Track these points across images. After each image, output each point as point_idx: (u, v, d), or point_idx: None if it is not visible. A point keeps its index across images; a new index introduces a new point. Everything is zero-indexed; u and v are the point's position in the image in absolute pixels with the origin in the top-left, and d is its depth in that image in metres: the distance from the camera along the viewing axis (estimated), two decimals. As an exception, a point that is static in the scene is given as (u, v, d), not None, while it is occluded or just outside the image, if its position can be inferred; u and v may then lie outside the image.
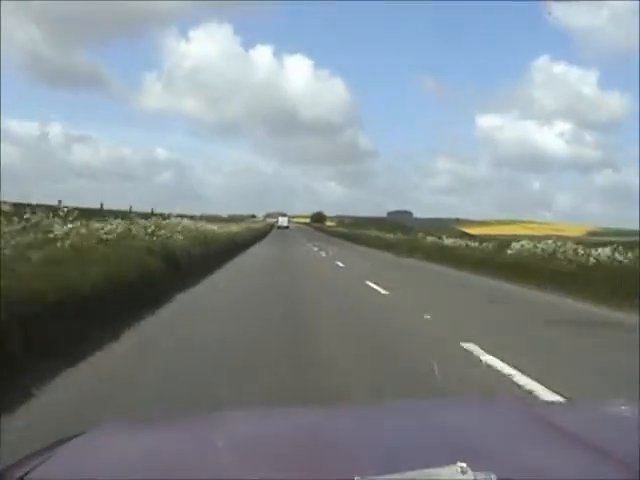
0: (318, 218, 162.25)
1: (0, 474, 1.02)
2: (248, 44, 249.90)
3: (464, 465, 0.83)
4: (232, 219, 41.18)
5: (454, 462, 0.84)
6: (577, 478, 0.93)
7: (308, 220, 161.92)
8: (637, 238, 19.56)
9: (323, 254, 25.66)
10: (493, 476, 0.81)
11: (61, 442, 1.16)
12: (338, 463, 0.99)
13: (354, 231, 58.17)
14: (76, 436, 1.20)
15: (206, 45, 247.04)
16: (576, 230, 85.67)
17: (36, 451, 1.13)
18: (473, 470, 0.82)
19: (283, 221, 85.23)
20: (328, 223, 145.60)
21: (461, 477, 0.81)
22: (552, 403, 1.94)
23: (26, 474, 0.97)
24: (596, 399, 1.75)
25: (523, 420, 1.31)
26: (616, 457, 0.98)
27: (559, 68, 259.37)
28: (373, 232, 48.09)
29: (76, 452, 1.13)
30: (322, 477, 0.89)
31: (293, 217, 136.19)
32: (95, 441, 1.22)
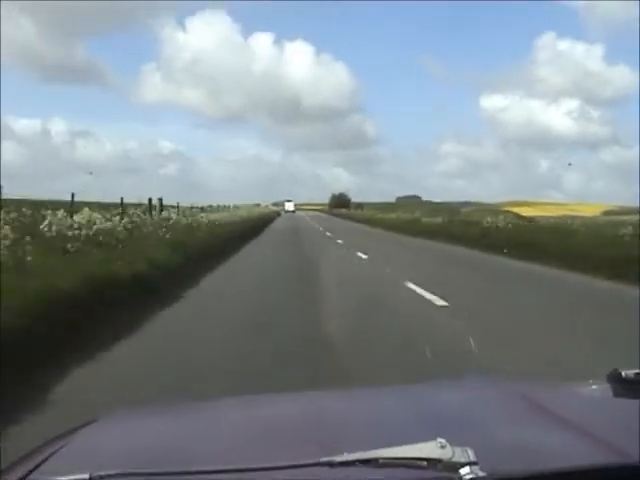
0: (340, 202, 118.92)
1: (18, 461, 1.12)
2: (247, 32, 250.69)
3: (443, 441, 0.90)
4: (237, 208, 39.51)
5: (434, 439, 0.90)
6: (556, 457, 1.00)
7: (321, 207, 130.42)
8: None
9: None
10: (470, 450, 0.89)
11: (74, 430, 1.28)
12: (324, 444, 1.07)
13: (390, 217, 44.20)
14: (88, 423, 1.32)
15: (205, 34, 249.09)
16: (591, 209, 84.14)
17: (51, 439, 1.25)
18: (452, 446, 0.89)
19: (289, 206, 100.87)
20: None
21: (440, 452, 0.88)
22: (536, 383, 1.95)
23: (43, 461, 1.07)
24: (580, 380, 1.62)
25: (506, 400, 1.43)
26: (597, 438, 1.06)
27: (564, 45, 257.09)
28: (405, 215, 40.49)
29: (89, 439, 1.25)
30: (309, 457, 0.93)
31: (303, 205, 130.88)
32: (107, 428, 1.34)
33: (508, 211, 58.39)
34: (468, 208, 73.25)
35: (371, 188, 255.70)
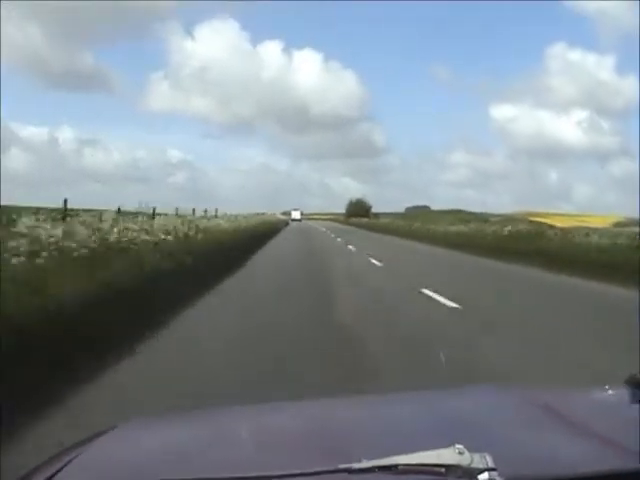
0: (358, 210, 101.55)
1: (35, 469, 1.14)
2: (256, 40, 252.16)
3: (461, 447, 0.90)
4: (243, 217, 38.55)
5: (452, 445, 0.91)
6: (574, 463, 1.02)
7: (332, 216, 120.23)
8: None
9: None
10: (488, 457, 0.89)
11: (90, 439, 1.30)
12: (342, 451, 1.09)
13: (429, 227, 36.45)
14: (104, 432, 1.34)
15: (213, 42, 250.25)
16: (601, 221, 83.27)
17: (68, 447, 1.27)
18: (470, 452, 0.90)
19: (296, 215, 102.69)
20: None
21: (458, 458, 0.89)
22: (553, 389, 1.95)
23: (59, 470, 1.08)
24: (598, 386, 1.48)
25: (523, 406, 1.44)
26: (615, 443, 1.06)
27: (575, 54, 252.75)
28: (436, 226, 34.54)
29: (105, 448, 1.26)
30: (327, 464, 0.94)
31: (312, 215, 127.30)
32: (122, 437, 1.36)
33: (532, 221, 57.55)
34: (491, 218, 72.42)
35: (380, 197, 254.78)
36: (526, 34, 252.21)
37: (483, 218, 52.83)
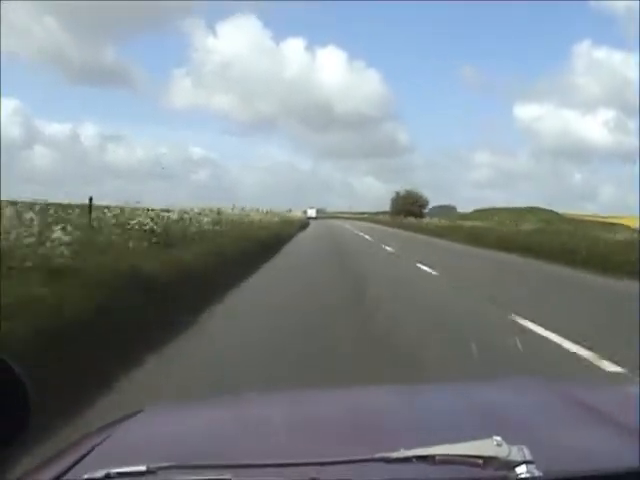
0: (409, 207, 75.21)
1: (63, 451, 1.18)
2: (279, 37, 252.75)
3: (499, 439, 0.93)
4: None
5: (490, 437, 0.93)
6: (610, 458, 1.04)
7: (358, 216, 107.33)
8: None
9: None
10: (526, 450, 0.91)
11: (119, 421, 1.35)
12: (379, 440, 1.12)
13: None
14: (133, 415, 1.38)
15: (236, 39, 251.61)
16: (628, 222, 78.66)
17: (96, 429, 1.32)
18: (508, 444, 0.92)
19: (311, 213, 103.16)
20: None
21: (496, 450, 0.91)
22: (587, 384, 2.03)
23: (90, 451, 1.12)
24: (629, 381, 1.42)
25: (556, 399, 1.46)
26: None
27: (601, 53, 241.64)
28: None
29: (135, 431, 1.31)
30: (363, 453, 0.96)
31: (337, 213, 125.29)
32: (152, 420, 1.41)
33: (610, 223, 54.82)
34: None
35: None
36: (552, 33, 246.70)
37: (561, 218, 47.87)
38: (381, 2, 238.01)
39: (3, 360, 1.00)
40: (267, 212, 39.65)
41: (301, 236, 35.70)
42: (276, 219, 36.22)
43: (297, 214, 71.35)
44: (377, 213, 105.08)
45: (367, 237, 34.63)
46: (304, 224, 52.05)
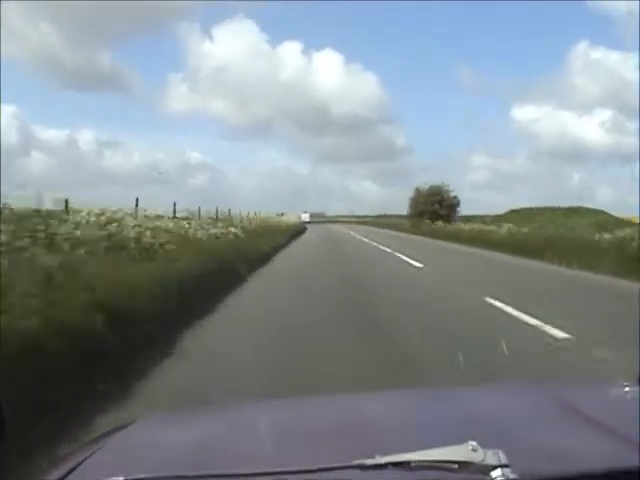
0: (427, 206, 46.21)
1: (56, 463, 1.19)
2: (275, 41, 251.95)
3: (474, 443, 0.92)
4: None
5: (466, 442, 0.93)
6: (589, 460, 1.03)
7: (358, 220, 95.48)
8: None
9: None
10: (502, 454, 0.91)
11: (108, 433, 1.35)
12: (356, 447, 1.11)
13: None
14: (122, 427, 1.38)
15: (232, 44, 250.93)
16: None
17: (86, 442, 1.39)
18: (483, 448, 0.91)
19: (305, 217, 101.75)
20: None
21: (471, 454, 0.91)
22: (569, 386, 1.87)
23: (78, 464, 1.12)
24: (615, 381, 1.61)
25: (539, 403, 1.45)
26: (632, 441, 1.05)
27: (598, 53, 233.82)
28: None
29: (123, 443, 1.30)
30: (340, 460, 0.96)
31: (336, 217, 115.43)
32: (141, 432, 1.40)
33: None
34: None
35: (401, 201, 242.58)
36: (549, 34, 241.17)
37: (616, 220, 35.68)
38: (377, 4, 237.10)
39: None
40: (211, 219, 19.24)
41: (282, 254, 20.89)
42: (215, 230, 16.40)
43: (291, 219, 52.45)
44: (378, 216, 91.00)
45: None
46: (298, 231, 39.54)
